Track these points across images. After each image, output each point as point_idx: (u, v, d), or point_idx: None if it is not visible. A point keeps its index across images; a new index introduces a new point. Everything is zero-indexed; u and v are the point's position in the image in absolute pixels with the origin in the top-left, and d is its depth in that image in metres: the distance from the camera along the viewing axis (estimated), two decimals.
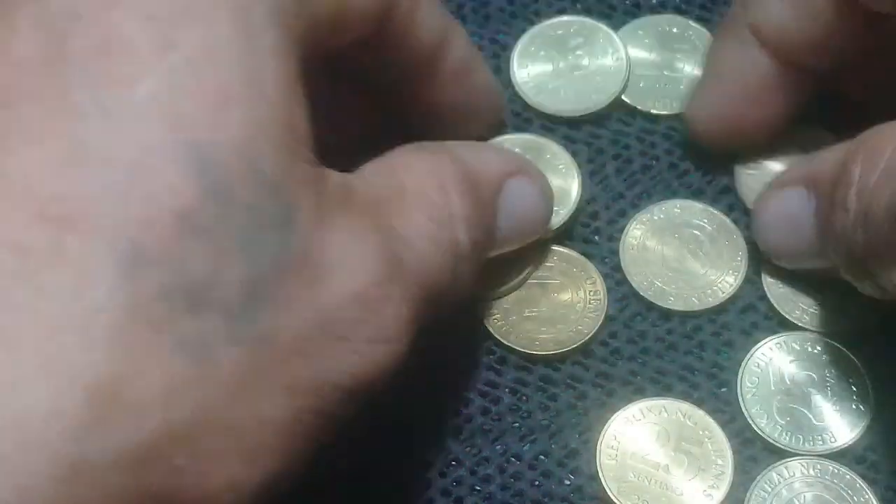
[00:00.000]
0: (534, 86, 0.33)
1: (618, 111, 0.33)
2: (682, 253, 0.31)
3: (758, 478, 0.28)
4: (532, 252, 0.30)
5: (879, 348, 0.29)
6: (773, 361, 0.29)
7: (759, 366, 0.29)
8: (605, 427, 0.29)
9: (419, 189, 0.25)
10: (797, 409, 0.28)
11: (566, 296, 0.30)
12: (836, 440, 0.28)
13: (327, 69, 0.25)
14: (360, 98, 0.30)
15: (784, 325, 0.30)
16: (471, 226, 0.26)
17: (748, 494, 0.28)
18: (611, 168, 0.32)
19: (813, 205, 0.28)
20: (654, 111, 0.33)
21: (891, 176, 0.24)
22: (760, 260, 0.30)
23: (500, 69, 0.34)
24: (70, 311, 0.19)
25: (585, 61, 0.34)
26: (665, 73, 0.34)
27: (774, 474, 0.28)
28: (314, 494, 0.28)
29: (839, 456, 0.28)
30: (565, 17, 0.34)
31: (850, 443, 0.28)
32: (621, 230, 0.31)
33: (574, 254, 0.31)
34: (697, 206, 0.31)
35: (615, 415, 0.29)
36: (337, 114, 0.27)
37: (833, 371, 0.29)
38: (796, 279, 0.30)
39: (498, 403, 0.29)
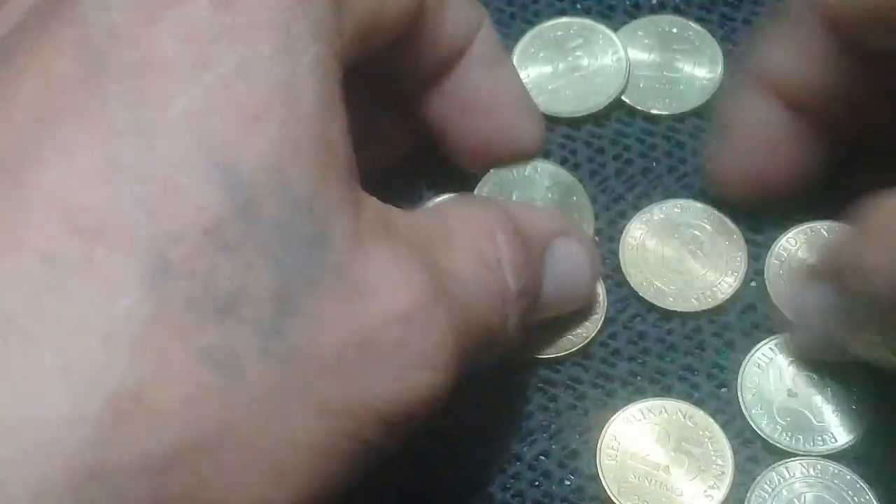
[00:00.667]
0: (534, 87, 0.33)
1: (618, 112, 0.33)
2: (681, 253, 0.31)
3: (758, 478, 0.28)
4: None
5: None
6: (774, 362, 0.29)
7: (759, 366, 0.29)
8: (606, 427, 0.29)
9: (467, 233, 0.25)
10: (797, 410, 0.28)
11: None
12: (836, 441, 0.28)
13: (358, 83, 0.25)
14: (388, 118, 0.30)
15: (784, 325, 0.30)
16: (519, 275, 0.25)
17: (748, 495, 0.28)
18: (611, 169, 0.32)
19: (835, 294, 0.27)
20: (654, 111, 0.33)
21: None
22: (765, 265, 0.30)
23: None
24: (95, 318, 0.19)
25: (585, 62, 0.34)
26: (665, 73, 0.34)
27: (775, 475, 0.28)
28: None
29: (840, 456, 0.28)
30: (565, 18, 0.34)
31: (850, 443, 0.28)
32: (621, 231, 0.31)
33: None
34: (697, 206, 0.31)
35: (615, 415, 0.29)
36: (368, 135, 0.27)
37: (833, 371, 0.29)
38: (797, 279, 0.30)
39: (498, 404, 0.29)
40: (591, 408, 0.29)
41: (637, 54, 0.34)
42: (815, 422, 0.28)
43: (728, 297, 0.30)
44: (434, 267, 0.23)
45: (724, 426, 0.28)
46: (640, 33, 0.34)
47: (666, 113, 0.33)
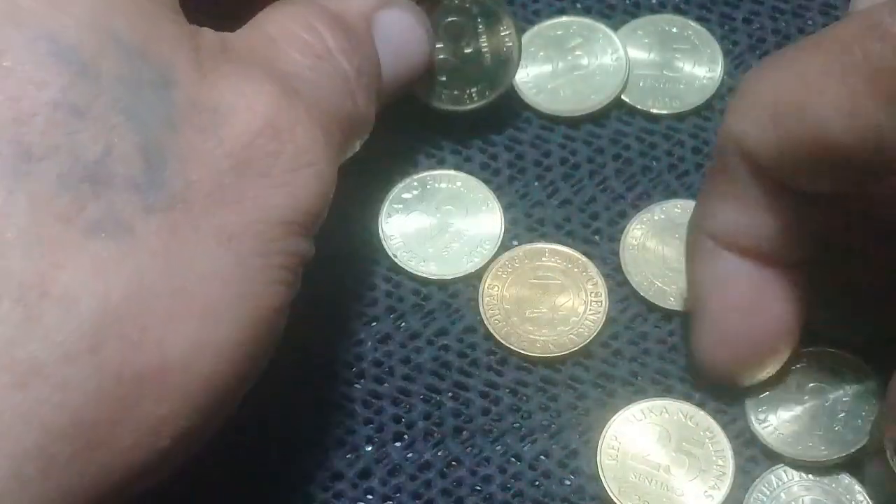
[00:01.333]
0: (533, 86, 0.33)
1: (617, 111, 0.33)
2: (682, 253, 0.31)
3: (756, 481, 0.28)
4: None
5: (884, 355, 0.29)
6: None
7: None
8: (606, 427, 0.28)
9: (289, 34, 0.25)
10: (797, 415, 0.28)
11: (567, 297, 0.30)
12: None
13: None
14: None
15: None
16: (351, 56, 0.26)
17: (747, 497, 0.28)
18: (610, 168, 0.32)
19: None
20: (653, 111, 0.33)
21: None
22: None
23: None
24: None
25: (585, 61, 0.34)
26: (665, 72, 0.34)
27: (773, 478, 0.28)
28: (314, 492, 0.28)
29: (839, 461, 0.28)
30: (564, 18, 0.34)
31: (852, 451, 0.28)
32: (622, 231, 0.31)
33: (575, 254, 0.31)
34: None
35: (616, 415, 0.29)
36: None
37: (838, 378, 0.29)
38: None
39: (498, 404, 0.29)
40: (592, 408, 0.29)
41: (637, 53, 0.34)
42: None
43: None
44: (276, 74, 0.24)
45: (725, 427, 0.28)
46: (639, 32, 0.34)
47: (666, 112, 0.33)
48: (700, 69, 0.33)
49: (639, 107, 0.33)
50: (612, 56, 0.34)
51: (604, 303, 0.30)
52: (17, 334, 0.19)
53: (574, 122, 0.33)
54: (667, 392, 0.29)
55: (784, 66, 0.25)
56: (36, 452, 0.19)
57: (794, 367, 0.28)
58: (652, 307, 0.30)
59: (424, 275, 0.31)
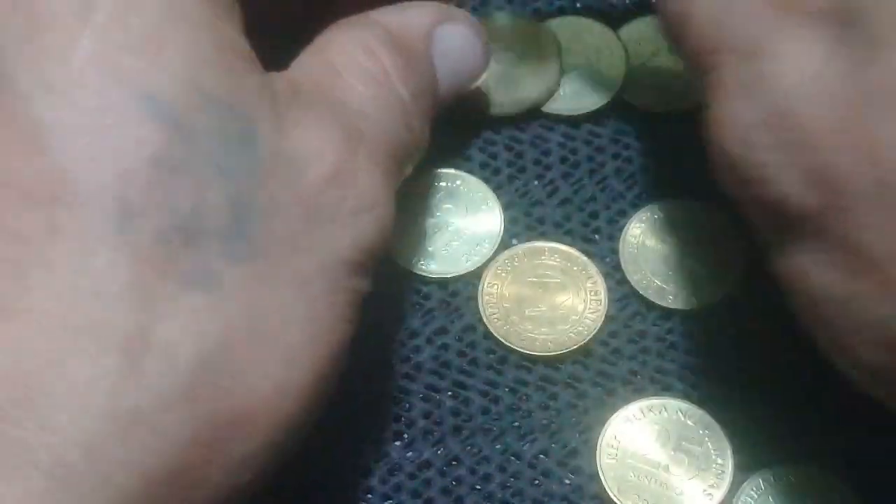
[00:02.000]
0: None
1: (618, 110, 0.33)
2: (682, 252, 0.31)
3: (745, 483, 0.28)
4: None
5: None
6: None
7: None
8: (606, 426, 0.29)
9: (349, 61, 0.26)
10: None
11: (566, 296, 0.30)
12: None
13: None
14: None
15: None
16: (408, 80, 0.27)
17: (735, 500, 0.27)
18: (610, 168, 0.32)
19: None
20: (653, 110, 0.33)
21: None
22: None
23: None
24: (81, 278, 0.20)
25: (585, 60, 0.34)
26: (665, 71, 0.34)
27: (761, 480, 0.28)
28: (313, 492, 0.28)
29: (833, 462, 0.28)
30: (564, 17, 0.34)
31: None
32: (621, 229, 0.31)
33: (574, 252, 0.31)
34: (697, 204, 0.31)
35: (615, 414, 0.29)
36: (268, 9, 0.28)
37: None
38: None
39: (498, 403, 0.29)
40: (591, 406, 0.29)
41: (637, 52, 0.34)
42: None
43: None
44: (341, 113, 0.25)
45: (725, 425, 0.28)
46: (639, 32, 0.34)
47: (665, 112, 0.33)
48: None
49: (639, 106, 0.33)
50: (612, 55, 0.34)
51: (603, 301, 0.30)
52: (122, 384, 0.20)
53: (574, 122, 0.33)
54: (666, 390, 0.29)
55: None
56: (135, 497, 0.20)
57: None
58: (651, 306, 0.30)
59: (424, 273, 0.31)
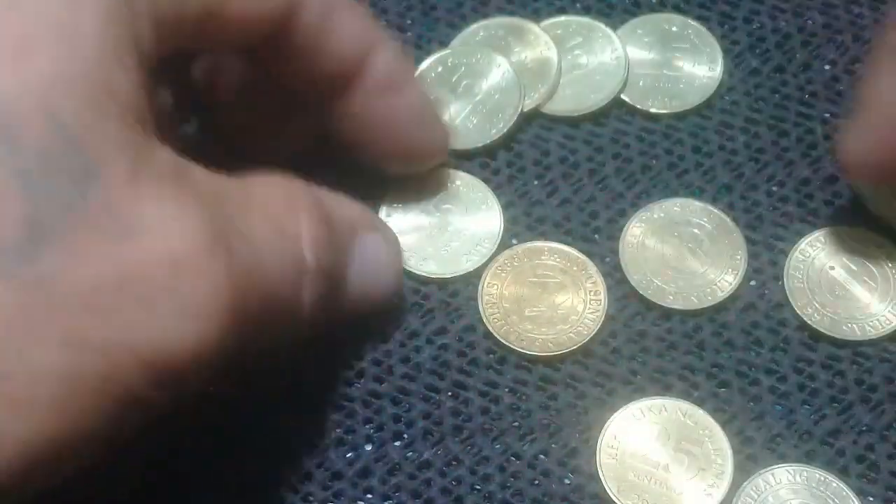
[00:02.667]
0: None
1: (617, 110, 0.33)
2: (681, 252, 0.31)
3: (744, 484, 0.28)
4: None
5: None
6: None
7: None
8: (605, 426, 0.29)
9: (268, 202, 0.25)
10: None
11: (566, 296, 0.30)
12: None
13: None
14: (290, 111, 0.30)
15: (784, 324, 0.30)
16: (318, 251, 0.25)
17: (735, 500, 0.27)
18: (610, 168, 0.32)
19: None
20: (653, 110, 0.33)
21: None
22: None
23: None
24: None
25: (584, 60, 0.34)
26: (664, 71, 0.34)
27: (761, 481, 0.28)
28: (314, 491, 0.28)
29: (828, 463, 0.28)
30: (564, 17, 0.34)
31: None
32: (621, 229, 0.31)
33: (574, 253, 0.31)
34: (697, 204, 0.31)
35: (615, 414, 0.29)
36: (263, 119, 0.29)
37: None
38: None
39: (498, 403, 0.29)
40: (591, 406, 0.29)
41: (636, 52, 0.34)
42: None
43: (728, 295, 0.30)
44: (221, 221, 0.23)
45: (724, 425, 0.28)
46: (639, 31, 0.34)
47: (665, 111, 0.33)
48: (700, 68, 0.33)
49: (638, 106, 0.33)
50: (611, 55, 0.34)
51: (603, 301, 0.30)
52: None
53: (574, 122, 0.33)
54: (666, 390, 0.29)
55: None
56: None
57: None
58: (651, 305, 0.30)
59: (424, 273, 0.31)
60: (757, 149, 0.32)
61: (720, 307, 0.30)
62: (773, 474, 0.28)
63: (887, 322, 0.29)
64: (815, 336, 0.30)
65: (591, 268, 0.31)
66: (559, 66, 0.33)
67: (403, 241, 0.31)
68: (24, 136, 0.20)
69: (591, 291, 0.30)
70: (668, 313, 0.30)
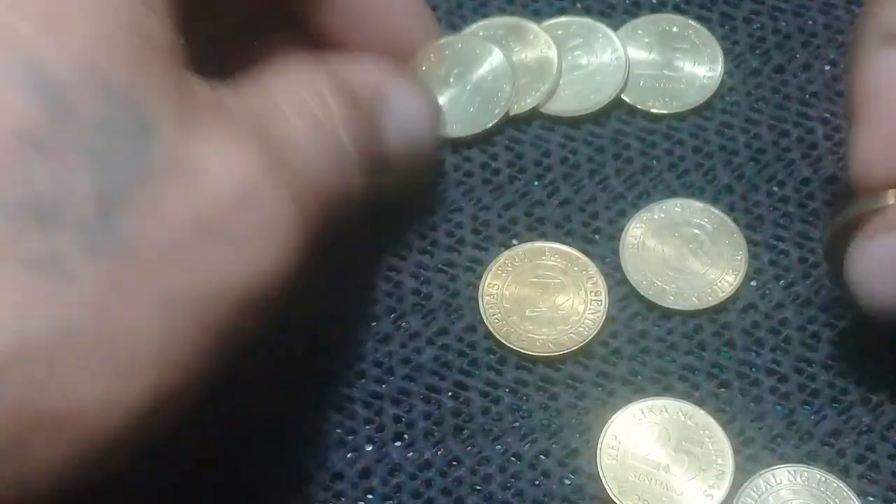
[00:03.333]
0: None
1: (617, 111, 0.33)
2: (682, 252, 0.31)
3: (745, 485, 0.28)
4: None
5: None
6: None
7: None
8: (606, 427, 0.28)
9: (291, 96, 0.25)
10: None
11: (567, 296, 0.30)
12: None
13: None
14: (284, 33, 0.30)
15: (785, 324, 0.30)
16: (353, 129, 0.25)
17: (735, 501, 0.27)
18: (611, 168, 0.32)
19: None
20: (654, 110, 0.33)
21: None
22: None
23: None
24: None
25: (584, 60, 0.34)
26: (665, 72, 0.34)
27: (761, 481, 0.28)
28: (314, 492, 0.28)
29: (828, 463, 0.28)
30: (564, 17, 0.34)
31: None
32: (621, 230, 0.31)
33: (575, 253, 0.31)
34: (697, 204, 0.31)
35: (616, 414, 0.29)
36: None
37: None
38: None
39: (498, 403, 0.29)
40: (592, 407, 0.29)
41: (637, 53, 0.34)
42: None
43: (729, 295, 0.30)
44: (268, 139, 0.23)
45: (725, 426, 0.28)
46: (639, 32, 0.34)
47: (666, 112, 0.33)
48: (700, 69, 0.33)
49: (639, 106, 0.33)
50: (612, 56, 0.34)
51: (603, 302, 0.30)
52: None
53: (574, 122, 0.33)
54: (666, 391, 0.29)
55: None
56: None
57: None
58: (651, 306, 0.30)
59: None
60: (757, 149, 0.32)
61: (721, 308, 0.30)
62: (773, 475, 0.28)
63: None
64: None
65: (592, 268, 0.31)
66: (559, 66, 0.33)
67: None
68: (80, 107, 0.20)
69: (591, 292, 0.30)
70: (668, 314, 0.30)
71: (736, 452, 0.28)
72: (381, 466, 0.29)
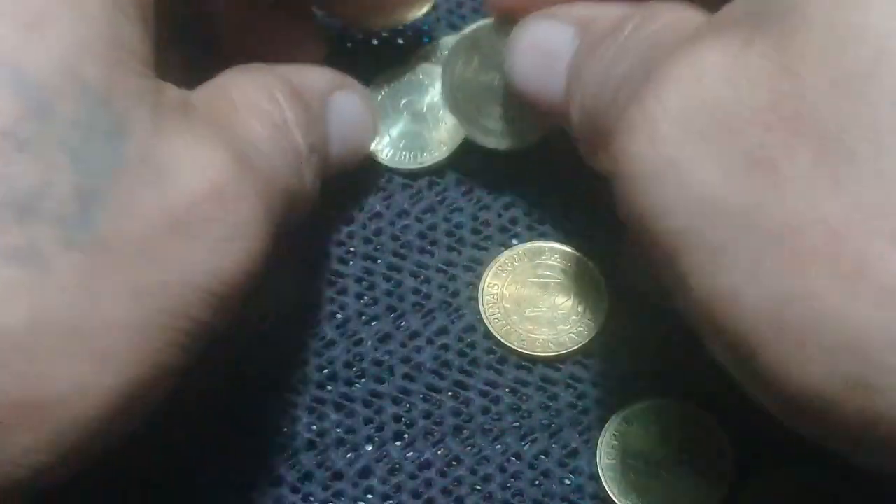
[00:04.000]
0: None
1: None
2: None
3: (745, 485, 0.28)
4: None
5: None
6: None
7: None
8: (606, 427, 0.29)
9: (250, 101, 0.26)
10: None
11: (567, 296, 0.30)
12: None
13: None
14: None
15: None
16: (305, 132, 0.27)
17: (735, 501, 0.27)
18: None
19: (575, 47, 0.27)
20: None
21: (632, 47, 0.24)
22: None
23: None
24: None
25: None
26: None
27: (762, 482, 0.28)
28: (314, 492, 0.28)
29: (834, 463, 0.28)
30: None
31: None
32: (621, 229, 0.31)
33: (574, 252, 0.31)
34: None
35: (615, 414, 0.29)
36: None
37: None
38: None
39: (498, 403, 0.29)
40: (592, 407, 0.29)
41: None
42: None
43: None
44: (234, 140, 0.24)
45: (725, 426, 0.28)
46: None
47: None
48: None
49: None
50: None
51: (604, 302, 0.30)
52: None
53: None
54: (666, 391, 0.29)
55: None
56: None
57: None
58: (651, 306, 0.30)
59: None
60: None
61: None
62: (773, 474, 0.28)
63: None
64: None
65: (593, 268, 0.31)
66: None
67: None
68: (59, 107, 0.21)
69: (592, 292, 0.30)
70: (668, 314, 0.30)
71: (735, 452, 0.28)
72: (381, 466, 0.29)
